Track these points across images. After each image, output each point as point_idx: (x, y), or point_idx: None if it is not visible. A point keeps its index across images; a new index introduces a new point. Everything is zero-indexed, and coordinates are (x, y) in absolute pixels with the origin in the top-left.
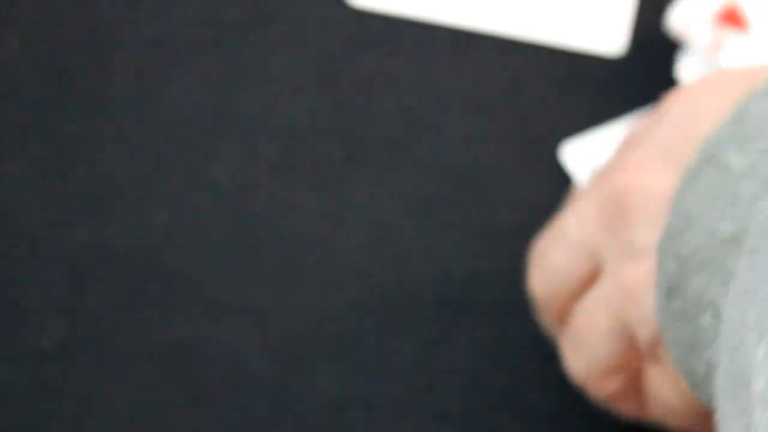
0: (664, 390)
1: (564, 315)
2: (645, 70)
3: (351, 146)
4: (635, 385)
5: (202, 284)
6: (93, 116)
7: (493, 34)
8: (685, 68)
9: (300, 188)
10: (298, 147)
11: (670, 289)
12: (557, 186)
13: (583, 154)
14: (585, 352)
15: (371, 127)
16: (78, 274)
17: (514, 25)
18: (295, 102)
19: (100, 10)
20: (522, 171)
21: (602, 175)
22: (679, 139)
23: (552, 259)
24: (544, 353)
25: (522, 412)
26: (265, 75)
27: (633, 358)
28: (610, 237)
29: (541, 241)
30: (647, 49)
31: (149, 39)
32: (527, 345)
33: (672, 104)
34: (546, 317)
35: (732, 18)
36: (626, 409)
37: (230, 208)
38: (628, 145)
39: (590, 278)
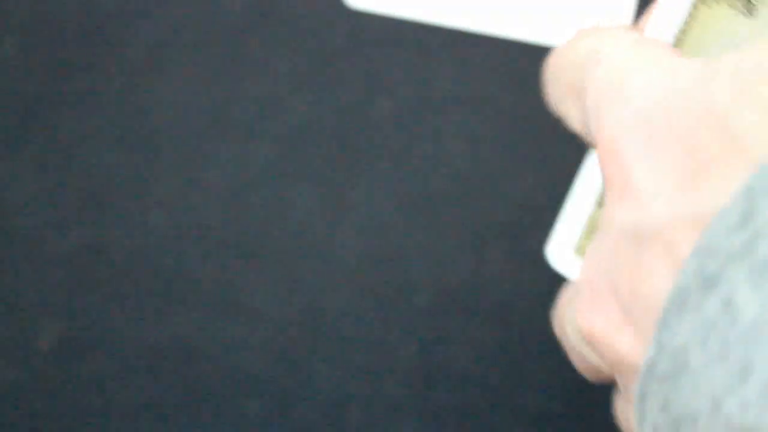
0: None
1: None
2: None
3: (349, 147)
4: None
5: (199, 284)
6: (90, 116)
7: (491, 36)
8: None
9: (297, 188)
10: (296, 147)
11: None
12: (557, 186)
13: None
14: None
15: (369, 128)
16: (75, 275)
17: (513, 26)
18: (293, 102)
19: (98, 10)
20: (522, 171)
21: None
22: None
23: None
24: (542, 353)
25: (520, 411)
26: (263, 75)
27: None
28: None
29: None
30: None
31: (147, 39)
32: (525, 345)
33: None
34: None
35: None
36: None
37: (228, 208)
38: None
39: None
